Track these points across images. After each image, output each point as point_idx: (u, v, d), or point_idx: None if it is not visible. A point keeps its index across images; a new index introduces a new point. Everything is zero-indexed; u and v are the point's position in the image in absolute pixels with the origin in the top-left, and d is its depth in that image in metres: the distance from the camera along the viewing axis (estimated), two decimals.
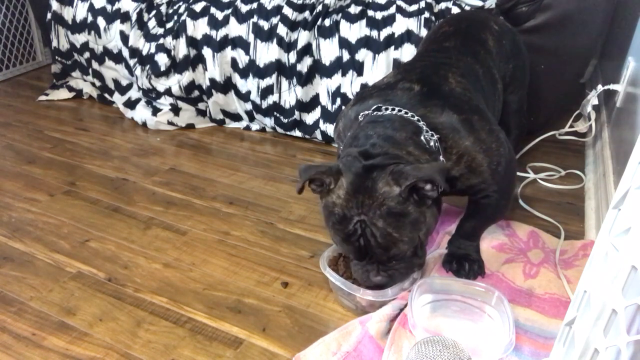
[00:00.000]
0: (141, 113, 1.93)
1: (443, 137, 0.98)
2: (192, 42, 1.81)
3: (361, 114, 1.02)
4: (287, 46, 1.72)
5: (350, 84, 1.68)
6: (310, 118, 1.79)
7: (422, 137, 0.95)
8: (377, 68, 1.64)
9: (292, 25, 1.72)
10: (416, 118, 0.97)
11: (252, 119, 1.90)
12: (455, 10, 1.65)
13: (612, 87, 1.52)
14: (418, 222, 0.91)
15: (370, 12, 1.69)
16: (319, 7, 1.76)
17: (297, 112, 1.78)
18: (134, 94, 2.02)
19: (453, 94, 1.02)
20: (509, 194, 1.10)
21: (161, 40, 1.84)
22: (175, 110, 1.91)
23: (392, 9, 1.67)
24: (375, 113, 1.00)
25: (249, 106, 1.85)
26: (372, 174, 0.89)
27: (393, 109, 0.98)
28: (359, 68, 1.66)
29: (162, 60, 1.82)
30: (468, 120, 0.99)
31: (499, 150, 1.01)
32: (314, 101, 1.77)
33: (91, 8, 1.96)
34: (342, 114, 1.11)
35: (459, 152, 0.98)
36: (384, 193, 0.88)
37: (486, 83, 1.17)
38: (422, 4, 1.65)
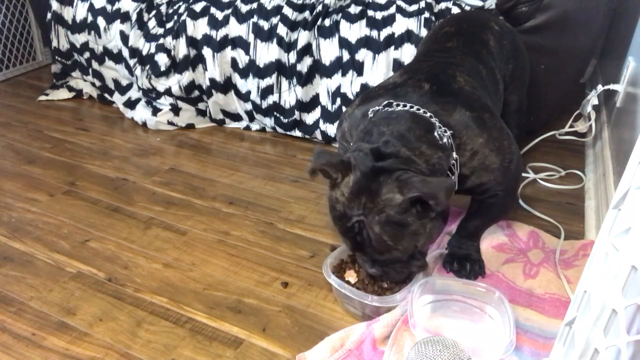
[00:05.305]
0: (141, 113, 1.93)
1: (457, 133, 0.97)
2: (192, 42, 1.81)
3: (371, 110, 1.01)
4: (287, 46, 1.72)
5: (350, 84, 1.68)
6: (310, 118, 1.79)
7: (436, 134, 0.94)
8: (377, 68, 1.64)
9: (292, 25, 1.72)
10: (428, 114, 0.95)
11: (252, 119, 1.90)
12: (455, 10, 1.65)
13: (612, 87, 1.52)
14: (416, 234, 0.90)
15: (370, 12, 1.68)
16: (319, 7, 1.76)
17: (297, 112, 1.78)
18: (134, 94, 2.02)
19: (463, 92, 1.02)
20: (515, 193, 1.10)
21: (161, 40, 1.84)
22: (175, 110, 1.91)
23: (392, 9, 1.67)
24: (386, 109, 0.98)
25: (249, 106, 1.85)
26: (379, 178, 0.88)
27: (405, 105, 0.96)
28: (359, 68, 1.66)
29: (162, 60, 1.82)
30: (480, 118, 0.98)
31: (510, 148, 1.01)
32: (314, 101, 1.77)
33: (91, 8, 1.96)
34: (345, 115, 1.09)
35: (473, 149, 0.98)
36: (386, 200, 0.86)
37: (489, 83, 1.17)
38: (422, 4, 1.65)
